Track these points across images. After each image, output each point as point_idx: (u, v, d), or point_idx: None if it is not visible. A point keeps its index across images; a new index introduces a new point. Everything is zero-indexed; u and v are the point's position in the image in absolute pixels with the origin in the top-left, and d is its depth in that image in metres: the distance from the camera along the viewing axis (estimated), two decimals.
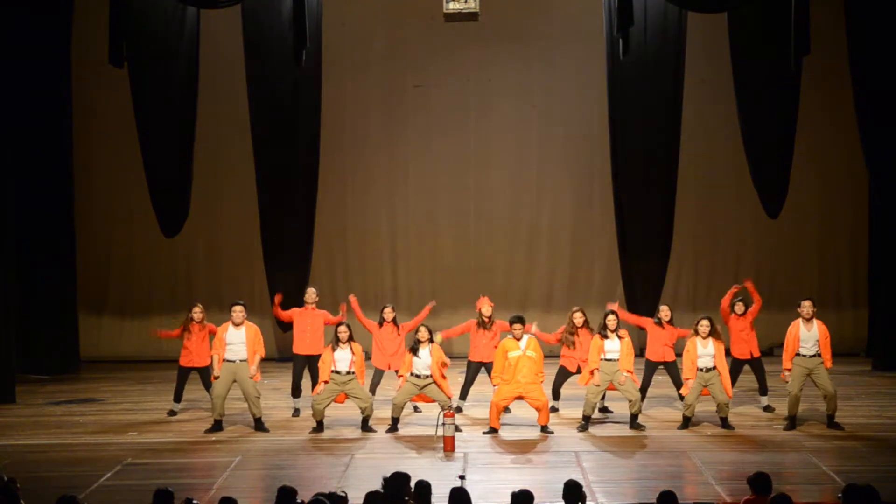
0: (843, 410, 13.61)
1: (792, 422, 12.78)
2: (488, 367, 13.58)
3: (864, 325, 18.18)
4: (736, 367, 13.87)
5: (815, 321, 12.90)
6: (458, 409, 13.67)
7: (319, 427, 12.89)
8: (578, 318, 13.64)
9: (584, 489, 8.06)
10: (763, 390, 13.97)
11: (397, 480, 7.94)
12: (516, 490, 7.89)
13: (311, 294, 14.45)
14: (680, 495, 7.98)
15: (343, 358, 12.79)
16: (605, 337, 12.97)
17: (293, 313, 14.48)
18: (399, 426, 12.88)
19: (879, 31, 15.85)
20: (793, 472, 10.91)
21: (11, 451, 12.09)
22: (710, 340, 12.79)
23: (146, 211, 16.65)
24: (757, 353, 14.00)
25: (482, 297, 14.08)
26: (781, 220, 16.99)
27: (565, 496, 7.98)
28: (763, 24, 15.83)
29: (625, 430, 12.78)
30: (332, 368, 12.80)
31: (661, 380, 14.29)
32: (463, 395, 14.01)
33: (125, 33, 15.48)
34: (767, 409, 13.81)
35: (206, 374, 13.77)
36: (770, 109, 16.10)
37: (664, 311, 13.84)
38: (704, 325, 12.80)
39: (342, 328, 12.95)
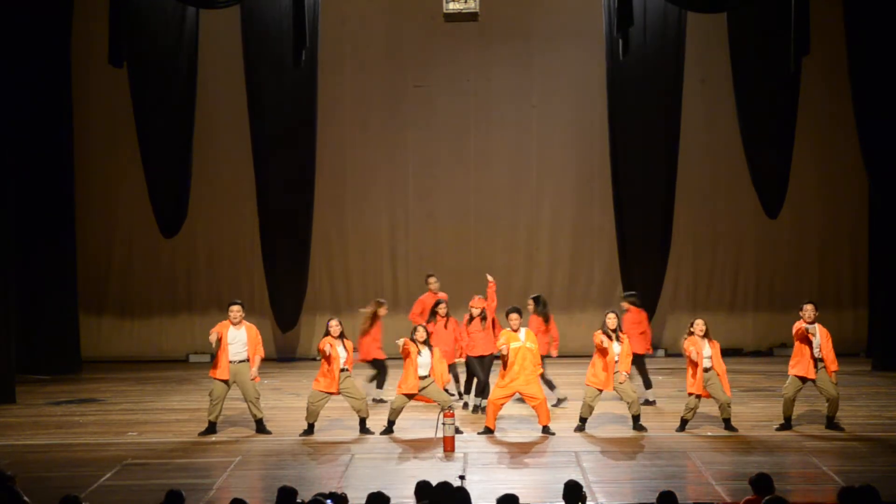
0: (843, 410, 13.59)
1: (787, 423, 12.73)
2: (484, 360, 13.62)
3: (864, 325, 18.17)
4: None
5: (817, 325, 12.58)
6: (465, 405, 13.82)
7: (310, 430, 12.78)
8: (531, 305, 14.13)
9: (584, 489, 8.06)
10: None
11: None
12: (500, 496, 7.84)
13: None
14: (680, 495, 7.97)
15: (339, 354, 12.69)
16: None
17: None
18: (394, 428, 12.82)
19: (879, 31, 15.86)
20: (793, 472, 10.90)
21: (11, 451, 12.07)
22: (706, 341, 12.66)
23: (146, 211, 16.66)
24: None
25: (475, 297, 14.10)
26: (781, 220, 17.01)
27: (565, 496, 7.98)
28: (763, 24, 15.86)
29: (624, 431, 12.77)
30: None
31: (661, 379, 14.30)
32: (467, 391, 14.03)
33: (125, 33, 15.50)
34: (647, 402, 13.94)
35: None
36: (770, 109, 16.12)
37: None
38: (701, 324, 12.66)
39: (333, 322, 12.73)
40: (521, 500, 7.61)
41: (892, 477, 10.41)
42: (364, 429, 12.74)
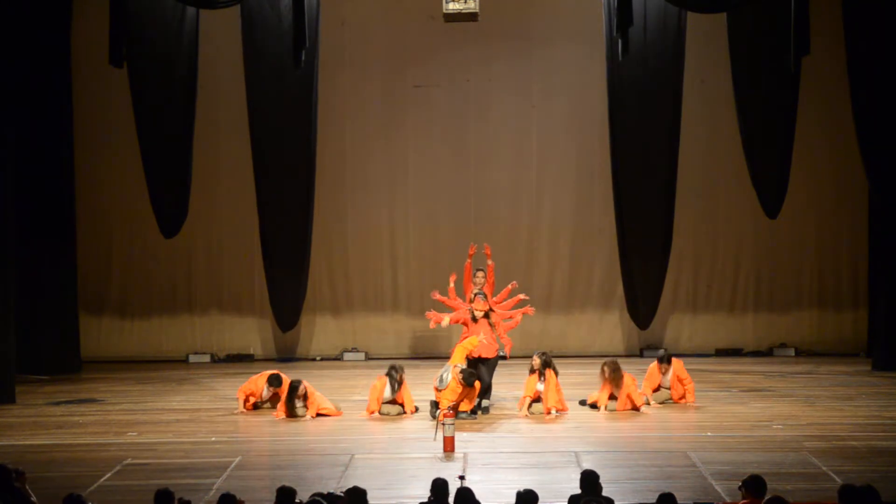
0: (843, 410, 13.65)
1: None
2: (485, 361, 13.62)
3: (864, 325, 18.16)
4: None
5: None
6: (486, 410, 13.65)
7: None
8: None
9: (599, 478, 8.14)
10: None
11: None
12: (522, 490, 7.89)
13: None
14: (680, 495, 7.99)
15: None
16: None
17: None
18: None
19: (879, 32, 15.85)
20: (792, 472, 10.90)
21: (11, 451, 12.06)
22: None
23: (146, 211, 16.64)
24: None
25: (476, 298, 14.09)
26: (781, 220, 16.99)
27: (582, 485, 8.06)
28: (763, 25, 15.84)
29: (625, 431, 12.80)
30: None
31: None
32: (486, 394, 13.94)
33: (125, 33, 15.49)
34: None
35: None
36: (770, 110, 16.10)
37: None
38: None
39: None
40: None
41: (892, 477, 10.42)
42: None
